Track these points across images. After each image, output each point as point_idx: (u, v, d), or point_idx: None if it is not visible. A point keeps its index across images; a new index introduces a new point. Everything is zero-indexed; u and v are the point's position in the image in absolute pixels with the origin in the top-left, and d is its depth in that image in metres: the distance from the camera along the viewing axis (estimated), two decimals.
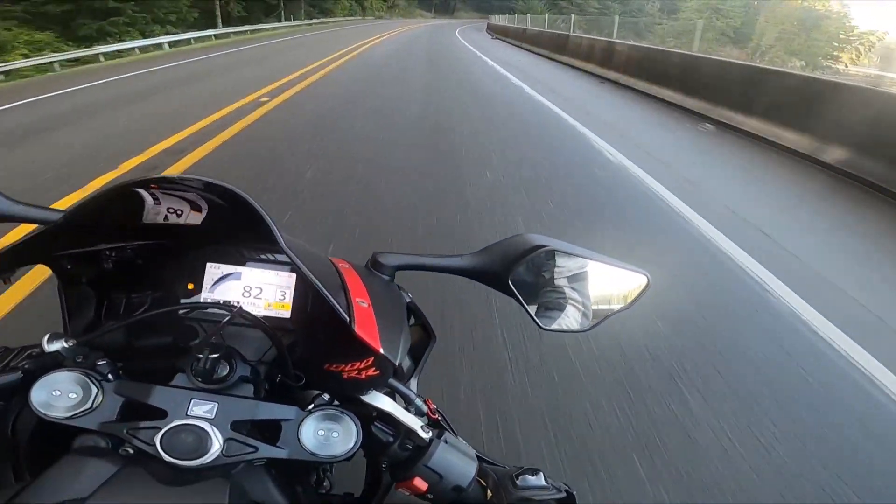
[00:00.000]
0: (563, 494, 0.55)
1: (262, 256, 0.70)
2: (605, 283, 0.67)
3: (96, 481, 0.44)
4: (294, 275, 0.70)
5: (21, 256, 0.56)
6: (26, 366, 0.54)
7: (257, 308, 0.69)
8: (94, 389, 0.52)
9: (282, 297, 0.70)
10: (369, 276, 0.69)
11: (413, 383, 0.69)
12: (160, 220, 0.63)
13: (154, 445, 0.49)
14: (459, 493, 0.55)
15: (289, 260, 0.70)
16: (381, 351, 0.52)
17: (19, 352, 0.58)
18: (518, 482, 0.55)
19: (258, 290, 0.69)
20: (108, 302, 0.70)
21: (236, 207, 0.54)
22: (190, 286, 0.68)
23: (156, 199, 0.61)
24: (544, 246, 0.65)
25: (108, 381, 0.53)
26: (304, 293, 0.70)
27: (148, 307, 0.69)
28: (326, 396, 0.57)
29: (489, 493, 0.55)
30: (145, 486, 0.46)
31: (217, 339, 0.60)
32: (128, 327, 0.66)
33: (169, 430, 0.50)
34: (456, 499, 0.55)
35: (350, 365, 0.55)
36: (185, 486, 0.47)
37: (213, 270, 0.69)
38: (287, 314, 0.69)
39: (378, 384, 0.58)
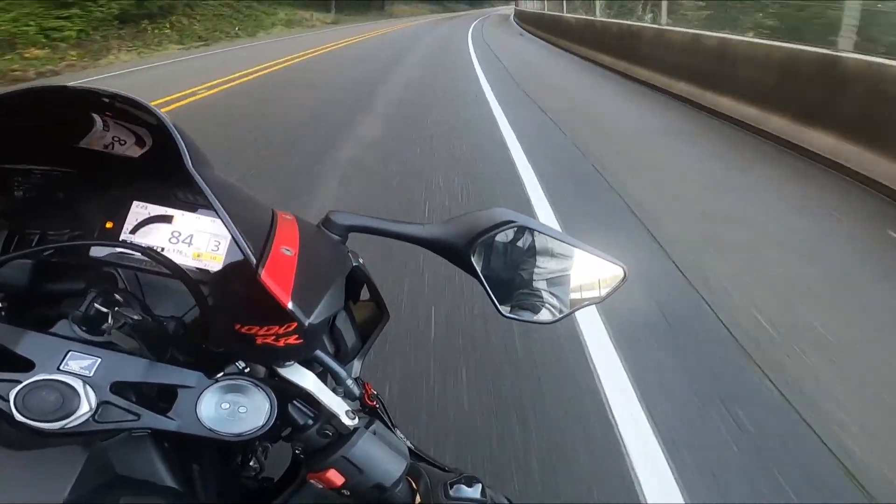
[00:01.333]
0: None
1: (197, 199, 0.62)
2: (578, 272, 0.59)
3: None
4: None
5: None
6: None
7: (184, 257, 0.61)
8: None
9: (215, 248, 0.62)
10: (315, 231, 0.60)
11: (356, 365, 0.61)
12: (100, 146, 0.54)
13: (7, 401, 0.42)
14: (382, 493, 0.48)
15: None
16: (289, 305, 0.42)
17: None
18: (451, 491, 0.49)
19: (188, 237, 0.62)
20: (20, 236, 0.61)
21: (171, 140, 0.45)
22: (109, 225, 0.60)
23: (106, 125, 0.52)
24: (513, 221, 0.57)
25: None
26: None
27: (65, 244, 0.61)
28: (241, 364, 0.49)
29: (418, 498, 0.49)
30: None
31: (123, 287, 0.52)
32: (32, 267, 0.57)
33: (28, 384, 0.42)
34: (378, 498, 0.48)
35: (265, 328, 0.46)
36: (33, 450, 0.40)
37: (138, 210, 0.61)
38: (218, 266, 0.61)
39: (298, 355, 0.49)
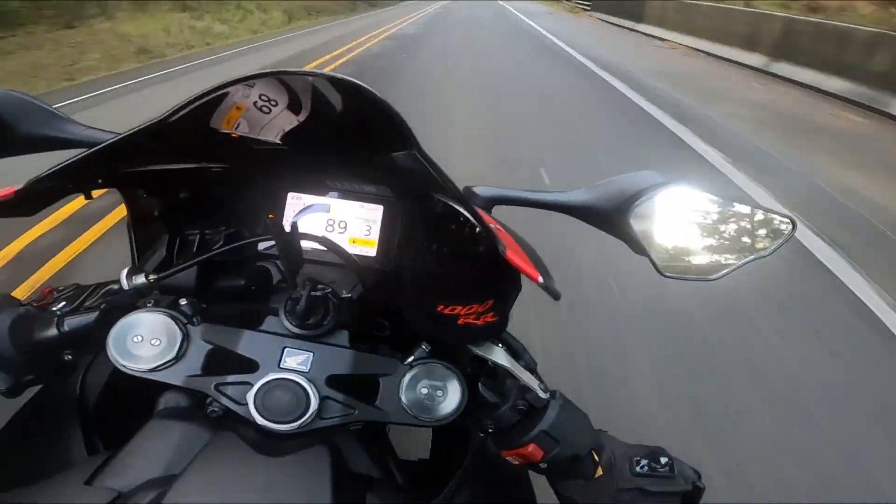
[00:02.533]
0: (689, 487, 0.47)
1: (347, 186, 0.63)
2: (743, 228, 0.57)
3: (187, 452, 0.39)
4: (381, 207, 0.62)
5: (87, 174, 0.49)
6: (102, 305, 0.49)
7: (343, 244, 0.62)
8: (179, 335, 0.46)
9: (367, 233, 0.63)
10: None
11: None
12: (248, 105, 0.49)
13: (246, 405, 0.44)
14: (574, 464, 0.48)
15: (376, 190, 0.63)
16: (540, 280, 0.43)
17: (94, 289, 0.52)
18: (638, 467, 0.48)
19: (343, 223, 0.63)
20: (181, 239, 0.64)
21: (352, 109, 0.43)
22: (271, 217, 0.62)
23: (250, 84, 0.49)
24: (668, 183, 0.55)
25: (193, 324, 0.48)
26: (391, 227, 0.62)
27: (223, 244, 0.63)
28: (426, 347, 0.50)
29: (599, 470, 0.49)
30: (240, 456, 0.40)
31: (313, 277, 0.53)
32: (203, 266, 0.60)
33: (263, 386, 0.44)
34: (568, 469, 0.49)
35: (468, 307, 0.47)
36: (284, 455, 0.41)
37: (293, 201, 0.62)
38: (372, 252, 0.63)
39: (494, 332, 0.49)
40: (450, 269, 0.50)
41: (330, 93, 0.41)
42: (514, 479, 0.57)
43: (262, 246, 0.63)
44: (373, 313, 0.57)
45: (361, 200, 0.62)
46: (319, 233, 0.62)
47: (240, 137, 0.51)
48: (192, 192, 0.62)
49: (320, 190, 0.63)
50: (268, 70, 0.39)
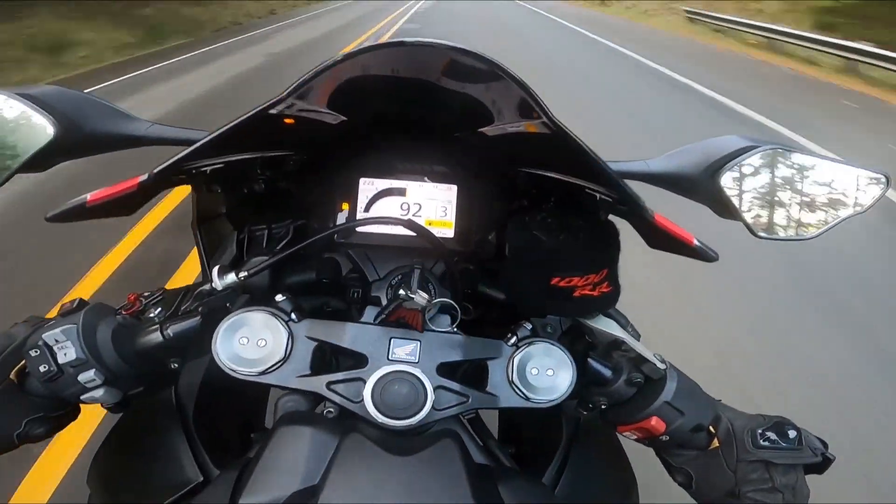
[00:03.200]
0: (818, 458, 0.45)
1: (418, 168, 0.60)
2: (834, 186, 0.56)
3: (319, 460, 0.38)
4: (454, 187, 0.60)
5: (168, 175, 0.47)
6: (199, 308, 0.47)
7: None
8: (284, 333, 0.44)
9: (443, 214, 0.61)
10: None
11: None
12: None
13: (361, 402, 0.42)
14: (696, 434, 0.47)
15: (448, 170, 0.61)
16: (695, 242, 0.42)
17: (185, 293, 0.50)
18: (762, 440, 0.46)
19: (417, 206, 0.61)
20: (248, 235, 0.61)
21: (472, 80, 0.42)
22: (344, 206, 0.60)
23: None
24: (757, 146, 0.53)
25: (294, 321, 0.46)
26: (468, 207, 0.60)
27: (291, 238, 0.61)
28: (528, 325, 0.48)
29: (716, 441, 0.47)
30: (373, 459, 0.38)
31: (417, 263, 0.52)
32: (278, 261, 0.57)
33: (378, 381, 0.43)
34: (686, 441, 0.48)
35: (584, 278, 0.45)
36: (413, 453, 0.39)
37: (366, 186, 0.60)
38: (450, 233, 0.61)
39: (610, 303, 0.48)
40: (565, 240, 0.48)
41: (443, 65, 0.40)
42: (614, 454, 0.56)
43: (342, 237, 0.61)
44: (463, 298, 0.55)
45: (435, 181, 0.60)
46: (397, 216, 0.60)
47: (313, 121, 0.49)
48: (262, 186, 0.59)
49: (392, 174, 0.61)
50: (393, 40, 0.37)
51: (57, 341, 0.41)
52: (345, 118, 0.49)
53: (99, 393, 0.43)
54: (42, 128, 0.46)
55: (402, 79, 0.44)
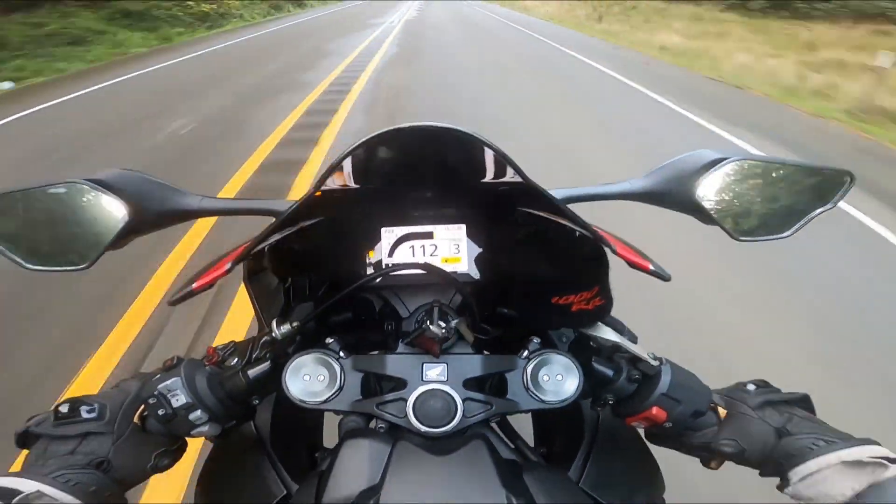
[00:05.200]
0: (800, 394, 0.54)
1: (430, 213, 0.69)
2: (803, 186, 0.62)
3: (378, 464, 0.47)
4: (463, 226, 0.69)
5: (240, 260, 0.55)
6: (267, 354, 0.57)
7: (437, 265, 0.69)
8: (337, 368, 0.54)
9: (455, 251, 0.69)
10: None
11: None
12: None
13: (405, 417, 0.52)
14: (698, 418, 0.54)
15: (456, 212, 0.70)
16: (651, 267, 0.51)
17: (252, 343, 0.60)
18: (752, 392, 0.54)
19: (433, 246, 0.69)
20: (293, 285, 0.71)
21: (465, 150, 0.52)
22: (371, 253, 0.69)
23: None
24: (726, 158, 0.60)
25: (343, 357, 0.55)
26: (476, 242, 0.69)
27: (329, 285, 0.70)
28: (537, 340, 0.57)
29: (722, 412, 0.54)
30: (421, 460, 0.48)
31: (436, 301, 0.61)
32: (320, 305, 0.66)
33: (417, 399, 0.52)
34: (691, 425, 0.54)
35: (578, 295, 0.54)
36: (451, 454, 0.49)
37: (387, 235, 0.69)
38: (463, 266, 0.69)
39: (604, 314, 0.56)
40: (558, 266, 0.57)
41: (442, 140, 0.50)
42: (634, 444, 0.64)
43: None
44: (480, 320, 0.64)
45: (446, 223, 0.69)
46: (418, 259, 0.69)
47: (337, 190, 0.59)
48: (300, 244, 0.70)
49: (409, 221, 0.69)
50: (391, 128, 0.48)
51: (169, 390, 0.51)
52: (361, 185, 0.59)
53: (205, 428, 0.53)
54: (117, 210, 0.56)
55: (406, 153, 0.55)
